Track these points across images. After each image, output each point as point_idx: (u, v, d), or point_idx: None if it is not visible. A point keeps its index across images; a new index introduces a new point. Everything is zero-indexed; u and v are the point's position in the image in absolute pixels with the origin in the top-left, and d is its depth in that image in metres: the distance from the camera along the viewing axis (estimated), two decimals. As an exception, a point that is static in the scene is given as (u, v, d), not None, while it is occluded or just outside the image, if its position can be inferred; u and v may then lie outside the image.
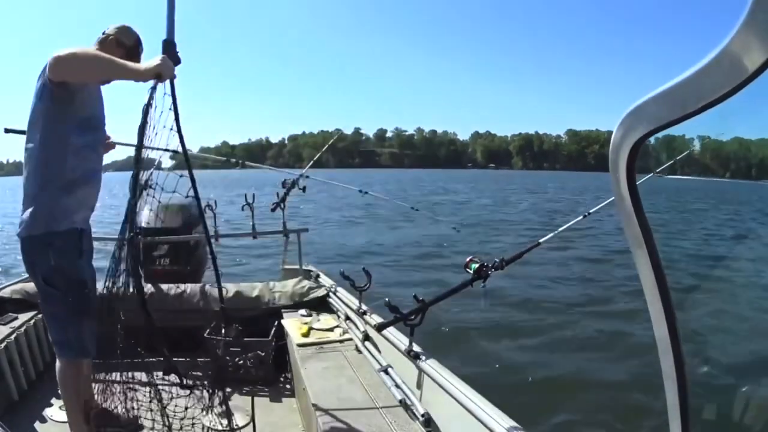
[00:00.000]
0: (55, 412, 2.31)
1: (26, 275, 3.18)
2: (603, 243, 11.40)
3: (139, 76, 1.70)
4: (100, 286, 2.89)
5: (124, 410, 2.18)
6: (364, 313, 2.59)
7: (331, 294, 3.12)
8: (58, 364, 1.96)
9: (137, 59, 1.94)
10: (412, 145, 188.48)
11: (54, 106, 1.77)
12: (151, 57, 1.76)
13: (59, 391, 2.02)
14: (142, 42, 2.05)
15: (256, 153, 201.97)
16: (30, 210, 1.79)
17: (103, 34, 2.00)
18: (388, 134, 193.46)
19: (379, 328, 2.21)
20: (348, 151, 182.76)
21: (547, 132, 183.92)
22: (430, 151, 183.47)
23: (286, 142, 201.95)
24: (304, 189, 3.91)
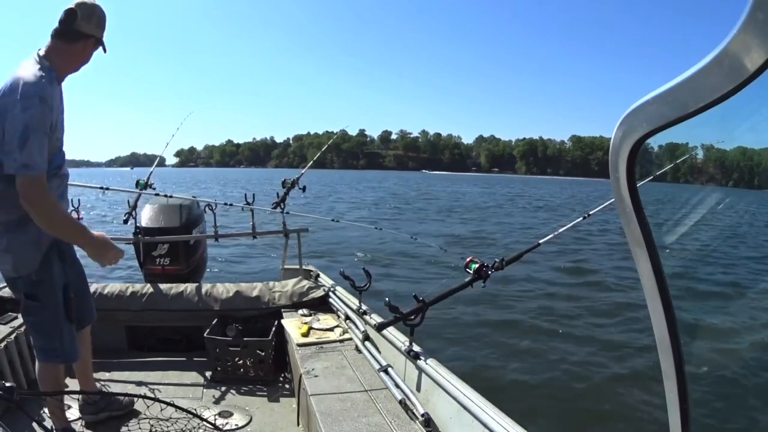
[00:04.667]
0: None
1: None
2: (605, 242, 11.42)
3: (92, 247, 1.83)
4: (98, 286, 2.90)
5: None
6: (364, 313, 2.59)
7: (330, 294, 3.12)
8: (40, 368, 1.96)
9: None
10: (416, 148, 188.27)
11: None
12: None
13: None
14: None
15: (261, 152, 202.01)
16: (11, 257, 1.77)
17: (73, 27, 1.77)
18: (393, 136, 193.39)
19: (379, 327, 2.21)
20: (352, 153, 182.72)
21: (552, 138, 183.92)
22: (434, 154, 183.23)
23: (291, 142, 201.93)
24: (304, 189, 3.91)
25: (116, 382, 2.58)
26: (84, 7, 1.78)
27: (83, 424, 2.16)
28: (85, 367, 2.18)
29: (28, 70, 1.71)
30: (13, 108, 1.62)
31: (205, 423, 1.97)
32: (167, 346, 3.07)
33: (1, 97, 1.67)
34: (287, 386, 2.69)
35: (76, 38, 1.79)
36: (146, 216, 3.56)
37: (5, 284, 2.95)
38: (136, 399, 2.14)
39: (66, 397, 2.12)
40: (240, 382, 2.68)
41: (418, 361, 1.98)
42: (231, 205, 3.76)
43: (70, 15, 1.77)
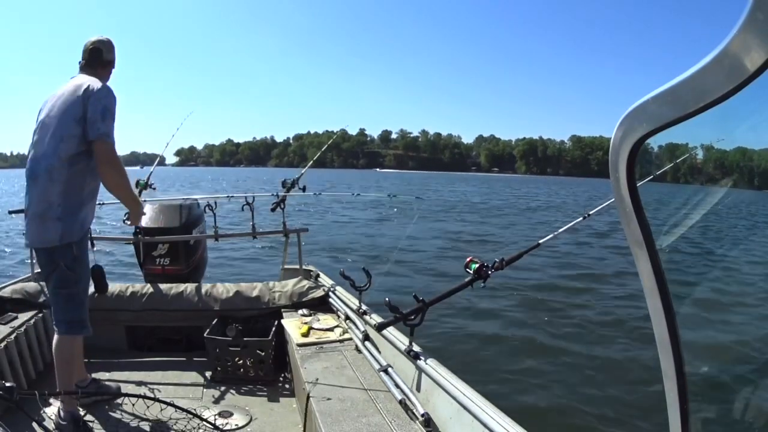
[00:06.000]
0: (55, 411, 2.31)
1: (25, 275, 3.19)
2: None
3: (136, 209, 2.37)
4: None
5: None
6: (364, 313, 2.59)
7: (330, 294, 3.12)
8: (60, 340, 2.13)
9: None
10: (416, 147, 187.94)
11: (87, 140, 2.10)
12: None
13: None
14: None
15: (261, 151, 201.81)
16: (61, 225, 2.07)
17: (102, 58, 2.25)
18: (393, 136, 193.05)
19: (379, 328, 2.21)
20: (353, 152, 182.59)
21: (552, 137, 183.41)
22: (434, 154, 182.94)
23: (291, 141, 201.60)
24: (304, 189, 3.91)
25: (116, 382, 2.57)
26: (103, 42, 2.27)
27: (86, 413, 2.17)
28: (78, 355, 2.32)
29: (91, 79, 2.14)
30: (94, 93, 2.07)
31: (205, 423, 1.98)
32: (167, 346, 3.07)
33: (73, 92, 2.08)
34: (287, 386, 2.69)
35: (106, 65, 2.29)
36: (146, 216, 3.56)
37: (5, 284, 2.97)
38: (135, 399, 2.15)
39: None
40: (240, 382, 2.68)
41: (418, 361, 1.98)
42: (231, 196, 3.92)
43: (97, 50, 2.25)
